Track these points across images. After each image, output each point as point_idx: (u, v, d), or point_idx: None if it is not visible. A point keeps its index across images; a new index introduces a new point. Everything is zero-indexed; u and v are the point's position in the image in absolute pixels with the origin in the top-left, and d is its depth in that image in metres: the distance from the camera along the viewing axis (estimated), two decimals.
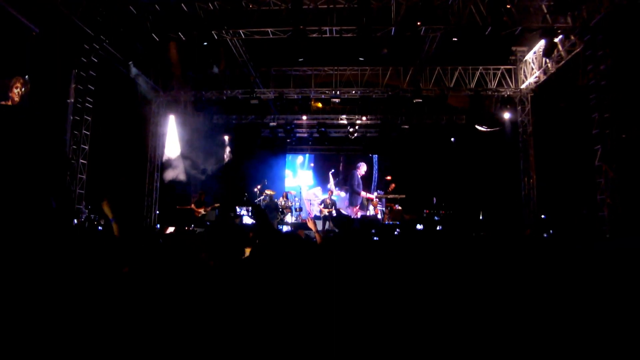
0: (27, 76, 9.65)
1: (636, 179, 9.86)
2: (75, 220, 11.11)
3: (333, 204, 15.41)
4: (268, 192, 16.15)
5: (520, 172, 15.19)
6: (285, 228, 14.80)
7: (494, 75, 14.81)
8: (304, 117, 16.87)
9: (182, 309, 2.05)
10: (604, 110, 10.58)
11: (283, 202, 16.14)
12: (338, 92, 15.13)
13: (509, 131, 15.49)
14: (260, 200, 15.86)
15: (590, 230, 10.92)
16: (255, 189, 16.13)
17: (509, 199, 15.14)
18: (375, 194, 17.89)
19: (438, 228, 14.03)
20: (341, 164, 19.68)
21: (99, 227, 9.71)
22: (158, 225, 14.56)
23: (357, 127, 17.36)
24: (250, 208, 14.91)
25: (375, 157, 19.52)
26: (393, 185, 15.66)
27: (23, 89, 9.46)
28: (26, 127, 9.59)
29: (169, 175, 15.36)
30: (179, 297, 2.15)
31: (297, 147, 19.57)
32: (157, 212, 15.44)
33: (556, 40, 11.56)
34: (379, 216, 15.88)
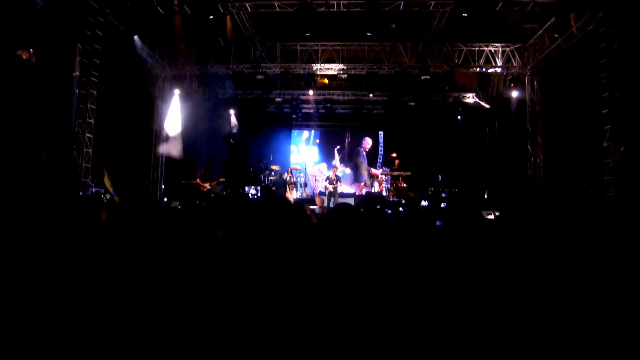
0: (31, 49, 9.58)
1: None
2: (82, 193, 11.19)
3: (338, 179, 15.42)
4: (273, 167, 16.19)
5: (527, 152, 15.08)
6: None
7: (503, 53, 14.60)
8: (310, 93, 16.73)
9: (188, 282, 2.06)
10: (614, 90, 10.41)
11: (288, 178, 16.19)
12: (344, 68, 14.97)
13: (517, 110, 15.33)
14: (266, 175, 15.91)
15: (595, 210, 10.90)
16: (261, 164, 16.16)
17: (515, 178, 15.08)
18: (381, 170, 17.89)
19: (443, 205, 14.08)
20: (347, 141, 19.63)
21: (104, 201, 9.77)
22: (165, 199, 14.64)
23: (363, 104, 17.24)
24: (259, 188, 14.98)
25: (381, 133, 19.44)
26: (398, 161, 15.62)
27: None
28: (38, 87, 9.57)
29: (163, 149, 15.24)
30: (184, 270, 2.15)
31: (303, 122, 19.52)
32: (163, 186, 15.49)
33: (568, 17, 11.34)
34: (384, 193, 15.89)
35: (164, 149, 15.21)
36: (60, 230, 2.69)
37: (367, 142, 19.35)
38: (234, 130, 17.70)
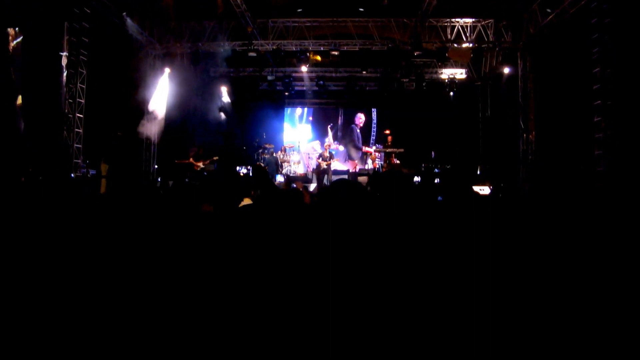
0: (17, 28, 9.46)
1: (634, 135, 9.84)
2: (73, 175, 11.17)
3: (331, 157, 15.44)
4: (267, 145, 16.19)
5: (519, 128, 15.10)
6: (279, 178, 14.98)
7: (496, 28, 14.50)
8: (303, 70, 16.57)
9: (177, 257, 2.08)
10: (605, 65, 10.43)
11: (282, 156, 16.22)
12: (337, 45, 14.84)
13: (510, 86, 15.30)
14: (260, 154, 15.91)
15: (586, 185, 11.01)
16: (254, 142, 16.14)
17: (507, 154, 15.13)
18: (374, 147, 17.89)
19: (436, 181, 14.16)
20: (340, 118, 19.58)
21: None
22: (159, 179, 14.63)
23: (356, 81, 17.13)
24: (250, 168, 14.97)
25: (374, 110, 19.39)
26: (390, 138, 15.65)
27: (14, 42, 9.29)
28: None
29: (150, 129, 15.04)
30: (175, 245, 2.17)
31: (296, 100, 19.41)
32: (156, 166, 15.45)
33: None
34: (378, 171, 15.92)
35: (150, 128, 15.01)
36: (49, 210, 2.71)
37: (360, 119, 19.31)
38: (226, 106, 17.60)
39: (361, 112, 19.29)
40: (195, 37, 14.87)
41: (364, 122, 19.30)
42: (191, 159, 14.39)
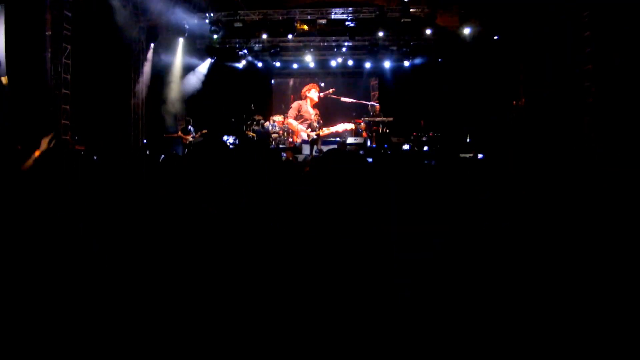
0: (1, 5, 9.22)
1: (624, 99, 9.92)
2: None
3: (320, 127, 15.44)
4: (257, 117, 16.08)
5: (509, 95, 15.12)
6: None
7: None
8: (290, 38, 16.28)
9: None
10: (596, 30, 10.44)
11: (270, 128, 16.14)
12: (324, 13, 14.64)
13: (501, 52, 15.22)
14: (248, 125, 15.83)
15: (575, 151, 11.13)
16: (243, 115, 16.03)
17: (497, 121, 15.17)
18: (363, 117, 17.84)
19: (425, 149, 14.25)
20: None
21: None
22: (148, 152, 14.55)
23: (343, 50, 16.92)
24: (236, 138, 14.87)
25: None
26: (378, 107, 15.65)
27: None
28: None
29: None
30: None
31: (283, 71, 19.18)
32: (145, 141, 15.33)
33: None
34: (368, 140, 15.95)
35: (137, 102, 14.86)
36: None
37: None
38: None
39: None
40: (181, 7, 14.57)
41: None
42: (180, 133, 14.33)
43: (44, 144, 3.75)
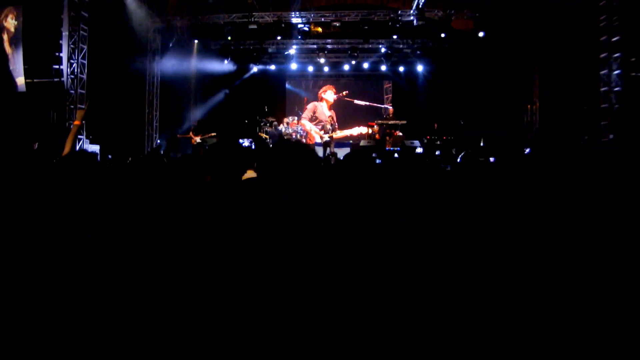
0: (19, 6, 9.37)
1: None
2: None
3: (334, 129, 15.42)
4: (270, 119, 16.12)
5: (523, 98, 14.98)
6: None
7: None
8: (304, 41, 16.32)
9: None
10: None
11: (283, 129, 16.15)
12: (338, 15, 14.64)
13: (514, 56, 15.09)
14: (262, 127, 15.88)
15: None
16: (257, 116, 16.08)
17: (511, 125, 15.04)
18: (377, 120, 17.78)
19: (437, 153, 14.15)
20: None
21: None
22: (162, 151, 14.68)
23: (358, 53, 16.90)
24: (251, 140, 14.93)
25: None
26: (392, 110, 15.59)
27: (16, 21, 9.21)
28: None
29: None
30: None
31: (297, 74, 19.21)
32: (158, 141, 15.46)
33: None
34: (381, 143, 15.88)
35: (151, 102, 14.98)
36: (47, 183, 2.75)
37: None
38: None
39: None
40: (195, 10, 14.68)
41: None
42: (191, 133, 14.54)
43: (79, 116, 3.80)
